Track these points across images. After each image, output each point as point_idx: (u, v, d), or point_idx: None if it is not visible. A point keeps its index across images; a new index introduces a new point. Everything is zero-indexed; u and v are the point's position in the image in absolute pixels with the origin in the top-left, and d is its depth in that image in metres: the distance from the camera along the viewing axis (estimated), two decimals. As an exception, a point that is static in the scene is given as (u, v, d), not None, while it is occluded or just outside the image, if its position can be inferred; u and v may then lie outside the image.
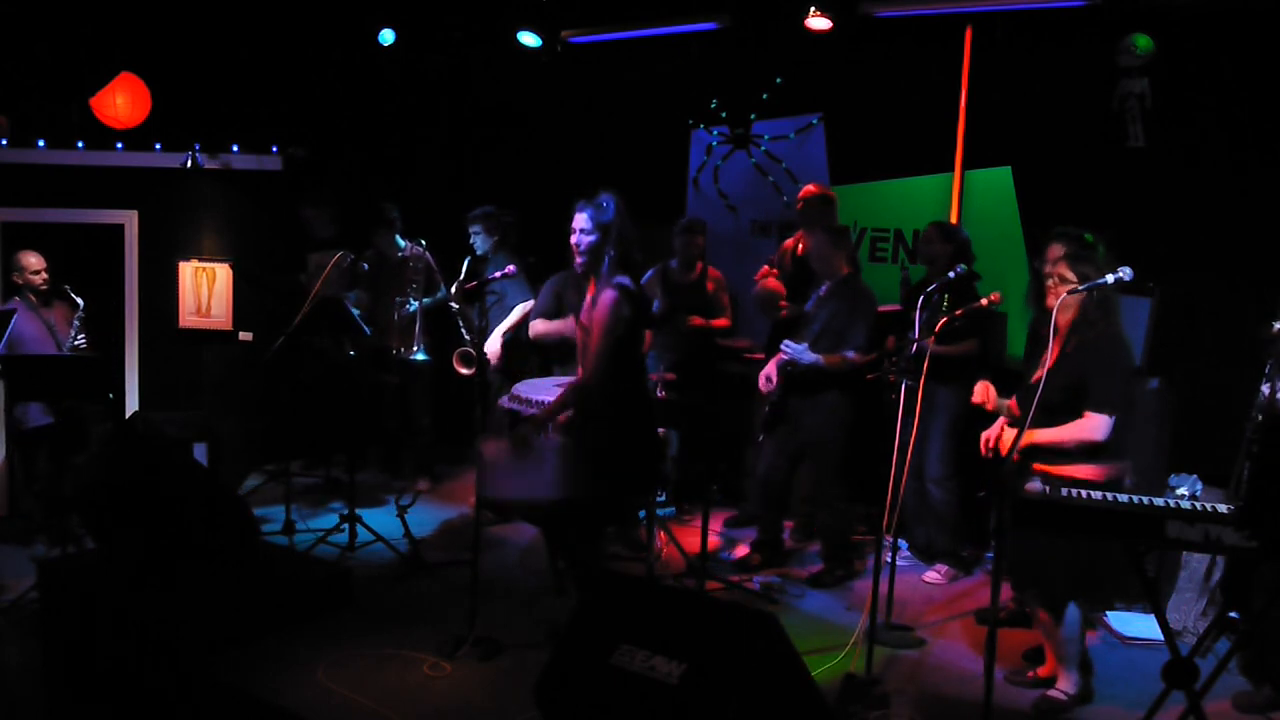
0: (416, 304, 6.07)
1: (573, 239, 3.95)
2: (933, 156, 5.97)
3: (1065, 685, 3.81)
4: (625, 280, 3.93)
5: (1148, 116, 5.26)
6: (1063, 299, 3.48)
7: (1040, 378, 3.46)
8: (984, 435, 3.80)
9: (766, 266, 5.88)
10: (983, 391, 3.86)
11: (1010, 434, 3.65)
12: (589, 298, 4.03)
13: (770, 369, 5.04)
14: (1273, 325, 4.07)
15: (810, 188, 5.73)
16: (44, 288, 5.64)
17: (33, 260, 5.63)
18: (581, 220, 3.93)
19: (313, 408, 6.37)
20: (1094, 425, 3.48)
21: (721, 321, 6.02)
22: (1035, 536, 3.56)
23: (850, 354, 4.85)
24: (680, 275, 5.98)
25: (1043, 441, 3.53)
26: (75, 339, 5.65)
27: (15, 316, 5.56)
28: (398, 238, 6.28)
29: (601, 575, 4.04)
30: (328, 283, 5.70)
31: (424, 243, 6.28)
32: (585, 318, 4.01)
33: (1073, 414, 3.53)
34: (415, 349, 6.03)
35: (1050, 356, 3.59)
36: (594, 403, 3.97)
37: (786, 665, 2.86)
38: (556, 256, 5.70)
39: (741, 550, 5.45)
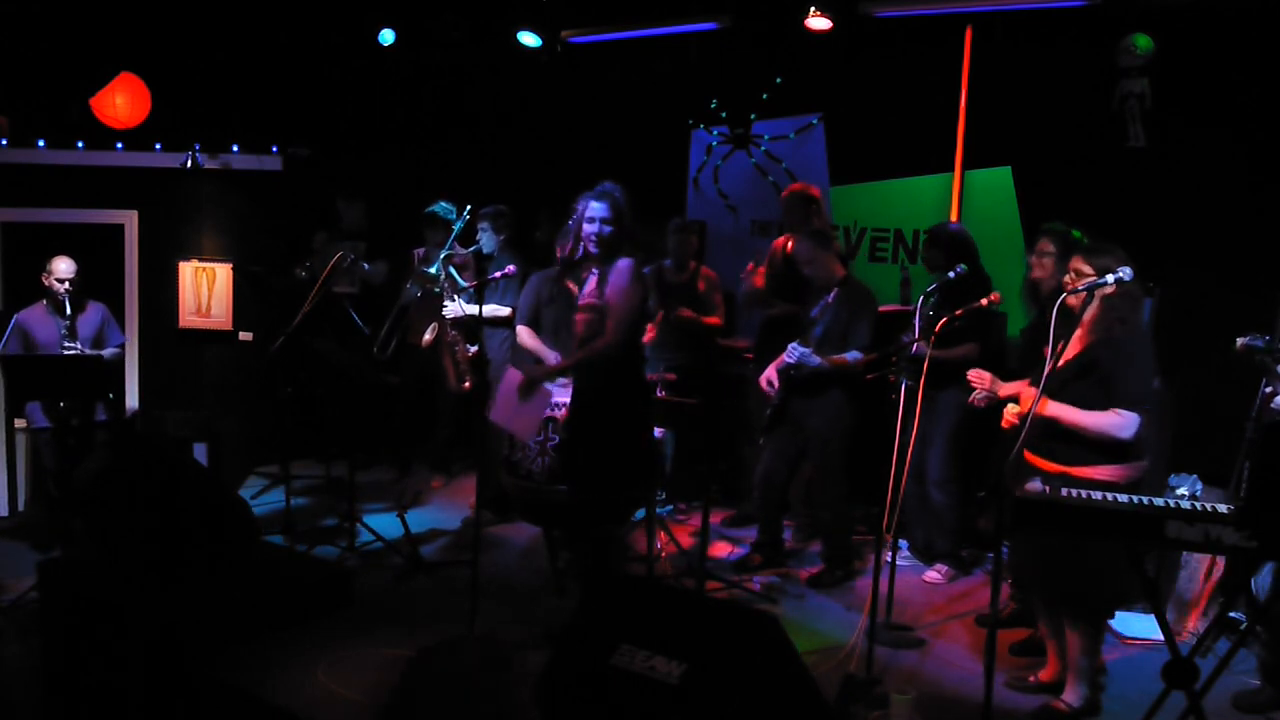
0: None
1: (587, 229, 3.95)
2: (933, 156, 5.98)
3: (1071, 697, 3.74)
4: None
5: (1148, 116, 5.26)
6: (1064, 299, 3.48)
7: (1057, 368, 3.44)
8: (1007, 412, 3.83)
9: (752, 264, 5.84)
10: (981, 380, 3.87)
11: (1027, 399, 3.63)
12: (593, 281, 4.02)
13: (770, 373, 5.03)
14: (1237, 341, 4.13)
15: (793, 186, 5.71)
16: (62, 298, 5.50)
17: (61, 267, 5.52)
18: (599, 210, 3.95)
19: (313, 408, 6.37)
20: (1123, 423, 3.43)
21: (713, 319, 5.97)
22: (1056, 554, 3.56)
23: (855, 354, 4.85)
24: (674, 274, 5.97)
25: (1066, 420, 3.48)
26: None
27: (15, 319, 5.59)
28: (453, 238, 6.05)
29: (602, 575, 4.05)
30: (327, 281, 5.70)
31: (469, 249, 6.17)
32: (593, 297, 3.99)
33: (1095, 410, 3.48)
34: None
35: (1072, 352, 3.58)
36: (599, 386, 3.95)
37: (786, 665, 2.86)
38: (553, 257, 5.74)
39: (742, 550, 5.45)
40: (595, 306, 4.01)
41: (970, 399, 4.05)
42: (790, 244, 5.54)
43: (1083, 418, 3.47)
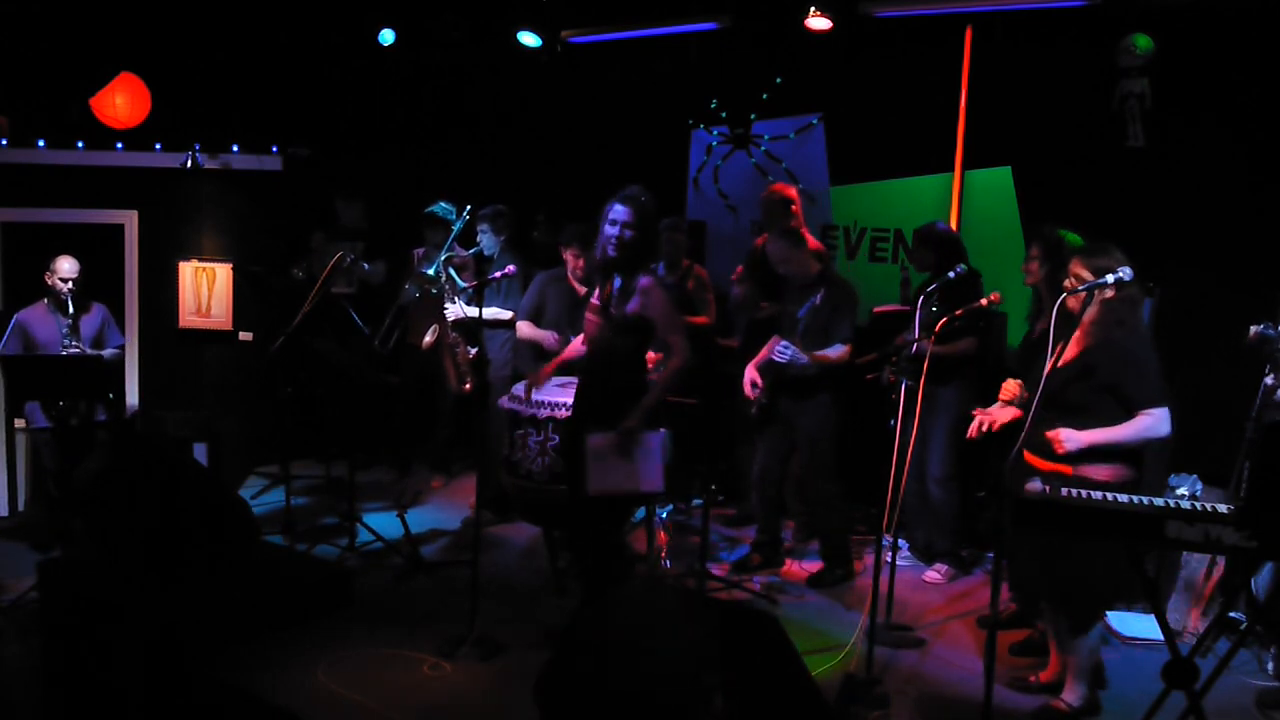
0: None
1: (609, 231, 3.87)
2: (933, 156, 5.98)
3: (1070, 697, 3.74)
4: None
5: (1148, 116, 5.26)
6: (1063, 300, 3.47)
7: (1051, 370, 3.45)
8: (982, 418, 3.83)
9: (740, 268, 5.84)
10: (1010, 390, 3.86)
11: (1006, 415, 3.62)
12: (605, 289, 4.00)
13: (752, 373, 5.02)
14: (1250, 330, 4.11)
15: (773, 187, 5.70)
16: (65, 297, 5.54)
17: (65, 266, 5.56)
18: (621, 213, 3.86)
19: (313, 408, 6.36)
20: (1155, 421, 3.43)
21: (701, 319, 5.94)
22: (1056, 551, 3.55)
23: (839, 348, 4.85)
24: (665, 274, 5.94)
25: (1102, 442, 3.44)
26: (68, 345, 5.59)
27: (15, 318, 5.59)
28: (452, 238, 5.90)
29: (602, 574, 4.04)
30: (327, 281, 5.69)
31: (470, 251, 6.09)
32: (616, 307, 3.97)
33: (1097, 414, 3.47)
34: None
35: (1070, 353, 3.57)
36: (622, 395, 3.93)
37: (786, 665, 2.86)
38: (555, 257, 5.74)
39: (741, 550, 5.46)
40: (614, 317, 3.97)
41: (969, 430, 4.00)
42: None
43: (1118, 434, 3.45)
